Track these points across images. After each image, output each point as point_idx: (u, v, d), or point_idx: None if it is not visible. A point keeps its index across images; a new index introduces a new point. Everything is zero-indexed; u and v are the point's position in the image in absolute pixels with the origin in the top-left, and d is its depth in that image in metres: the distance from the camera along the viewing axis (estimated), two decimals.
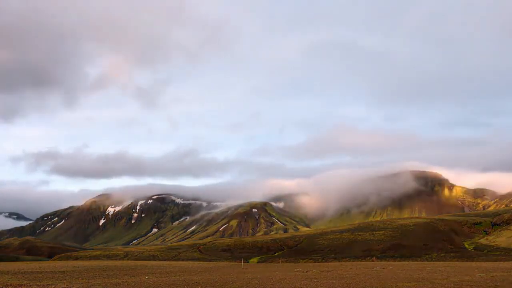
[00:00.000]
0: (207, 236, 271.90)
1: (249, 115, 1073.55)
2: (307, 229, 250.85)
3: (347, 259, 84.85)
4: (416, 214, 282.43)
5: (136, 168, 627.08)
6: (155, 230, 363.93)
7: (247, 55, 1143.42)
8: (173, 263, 73.43)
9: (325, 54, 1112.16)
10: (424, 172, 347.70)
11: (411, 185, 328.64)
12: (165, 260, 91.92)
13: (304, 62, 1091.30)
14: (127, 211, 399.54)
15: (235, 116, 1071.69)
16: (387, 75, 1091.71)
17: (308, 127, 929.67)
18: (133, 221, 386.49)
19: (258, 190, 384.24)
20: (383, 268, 46.43)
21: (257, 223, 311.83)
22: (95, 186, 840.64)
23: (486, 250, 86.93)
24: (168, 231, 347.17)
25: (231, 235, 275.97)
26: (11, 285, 29.50)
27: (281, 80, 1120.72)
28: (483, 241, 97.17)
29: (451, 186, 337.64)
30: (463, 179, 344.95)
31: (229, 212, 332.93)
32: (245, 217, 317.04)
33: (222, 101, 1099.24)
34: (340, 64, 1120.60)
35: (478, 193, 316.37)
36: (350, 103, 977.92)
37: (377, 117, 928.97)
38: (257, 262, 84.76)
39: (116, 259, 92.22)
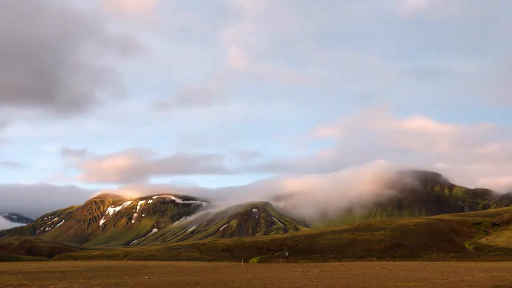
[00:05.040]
0: (207, 236, 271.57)
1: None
2: (307, 229, 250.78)
3: (347, 259, 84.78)
4: (416, 214, 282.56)
5: (136, 167, 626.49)
6: (155, 230, 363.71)
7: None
8: (173, 263, 73.44)
9: None
10: (424, 172, 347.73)
11: (411, 185, 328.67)
12: (165, 260, 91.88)
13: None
14: (127, 211, 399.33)
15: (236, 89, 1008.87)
16: None
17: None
18: (133, 221, 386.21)
19: (258, 190, 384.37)
20: (383, 268, 46.42)
21: (257, 223, 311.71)
22: (95, 186, 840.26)
23: (486, 250, 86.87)
24: (168, 231, 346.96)
25: (231, 235, 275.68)
26: (11, 285, 29.50)
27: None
28: (483, 241, 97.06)
29: (451, 186, 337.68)
30: (463, 179, 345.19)
31: (229, 212, 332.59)
32: (245, 217, 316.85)
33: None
34: None
35: (478, 193, 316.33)
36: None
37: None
38: (257, 262, 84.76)
39: (116, 259, 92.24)
